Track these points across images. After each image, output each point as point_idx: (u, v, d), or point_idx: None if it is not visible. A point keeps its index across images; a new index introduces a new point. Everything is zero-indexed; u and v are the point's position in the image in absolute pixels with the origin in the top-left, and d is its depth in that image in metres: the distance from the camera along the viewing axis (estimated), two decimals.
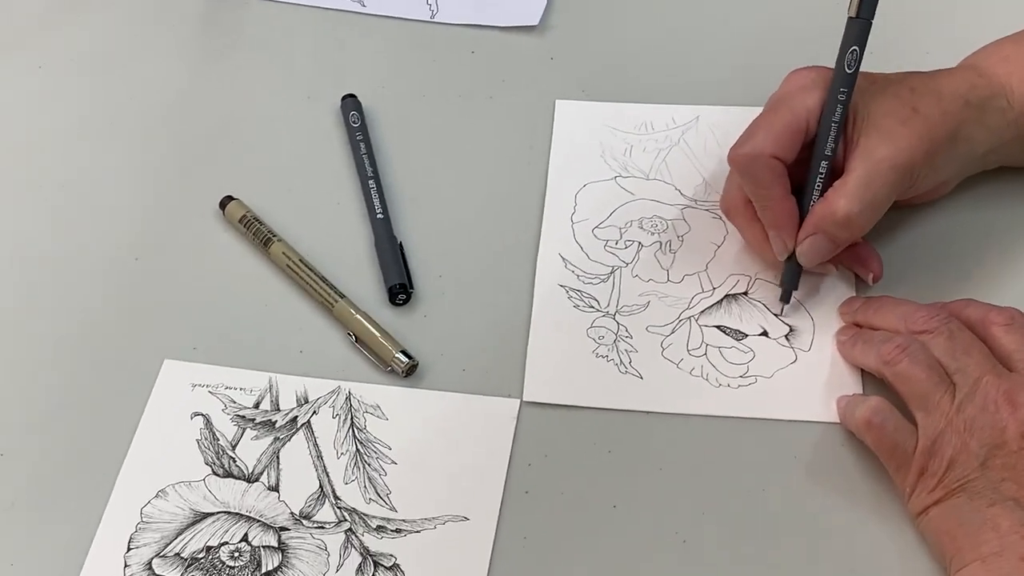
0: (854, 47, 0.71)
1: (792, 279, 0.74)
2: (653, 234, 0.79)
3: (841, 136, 0.72)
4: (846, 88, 0.72)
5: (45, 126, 0.88)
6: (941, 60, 0.77)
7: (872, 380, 0.71)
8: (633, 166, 0.83)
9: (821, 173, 0.73)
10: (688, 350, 0.74)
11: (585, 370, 0.73)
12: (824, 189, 0.72)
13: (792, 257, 0.73)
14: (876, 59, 0.76)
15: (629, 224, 0.80)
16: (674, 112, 0.86)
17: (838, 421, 0.70)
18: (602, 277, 0.77)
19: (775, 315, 0.75)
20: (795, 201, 0.73)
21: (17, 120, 0.89)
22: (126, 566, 0.67)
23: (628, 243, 0.79)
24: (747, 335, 0.74)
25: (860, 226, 0.72)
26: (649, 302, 0.76)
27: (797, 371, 0.72)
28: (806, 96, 0.73)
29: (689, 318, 0.75)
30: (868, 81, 0.73)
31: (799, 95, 0.73)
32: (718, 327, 0.75)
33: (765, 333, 0.74)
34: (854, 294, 0.75)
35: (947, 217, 0.79)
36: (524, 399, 0.72)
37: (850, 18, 0.72)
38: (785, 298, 0.75)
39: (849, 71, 0.72)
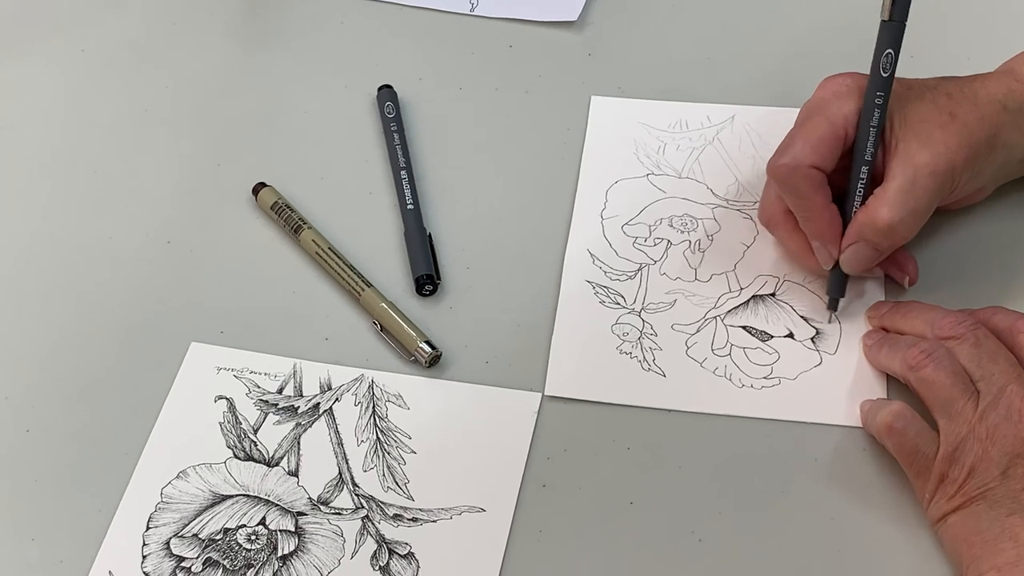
0: (888, 50, 0.71)
1: (838, 287, 0.74)
2: (683, 232, 0.79)
3: (880, 142, 0.72)
4: (883, 92, 0.71)
5: (85, 109, 0.89)
6: (982, 65, 0.76)
7: (897, 386, 0.71)
8: (666, 164, 0.83)
9: (862, 179, 0.72)
10: (712, 349, 0.73)
11: (608, 366, 0.73)
12: (866, 195, 0.72)
13: (836, 266, 0.73)
14: (918, 64, 0.75)
15: (659, 222, 0.80)
16: (709, 111, 0.85)
17: (860, 425, 0.69)
18: (629, 274, 0.77)
19: (802, 317, 0.74)
20: (836, 210, 0.72)
21: (57, 103, 0.90)
22: (144, 545, 0.67)
23: (657, 241, 0.79)
24: (773, 336, 0.74)
25: (903, 234, 0.71)
26: (676, 300, 0.76)
27: (821, 374, 0.72)
28: (842, 103, 0.72)
29: (715, 318, 0.75)
30: (904, 87, 0.73)
31: (835, 102, 0.72)
32: (744, 327, 0.74)
33: (791, 335, 0.74)
34: (883, 298, 0.75)
35: (981, 223, 0.78)
36: (546, 393, 0.72)
37: (883, 21, 0.71)
38: (833, 306, 0.74)
39: (885, 74, 0.71)
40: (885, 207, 0.70)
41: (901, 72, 0.71)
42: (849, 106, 0.72)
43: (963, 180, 0.72)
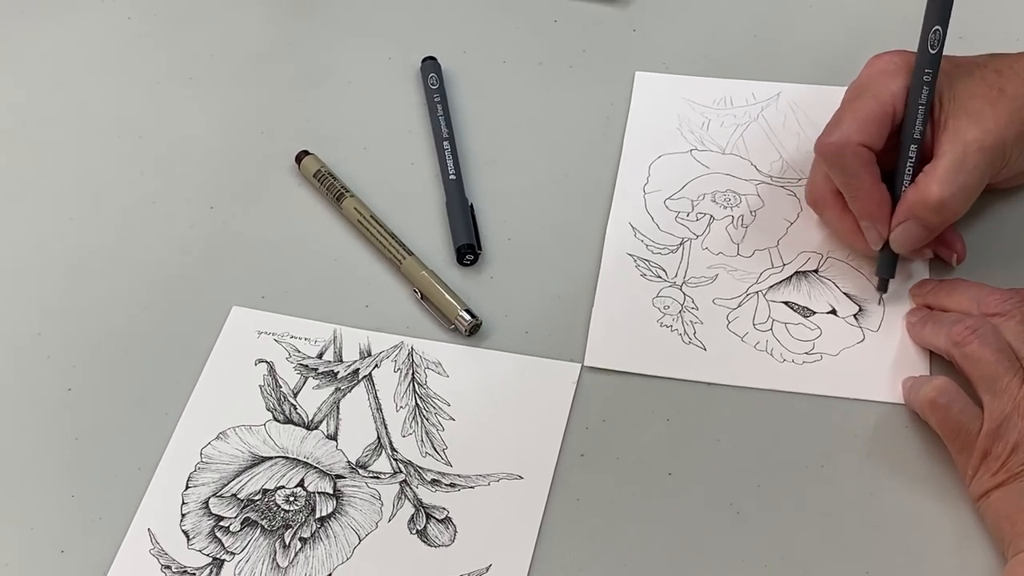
0: (936, 26, 0.70)
1: (888, 268, 0.73)
2: (726, 208, 0.79)
3: (929, 119, 0.71)
4: (931, 69, 0.70)
5: (130, 75, 0.90)
6: None
7: (940, 366, 0.70)
8: (710, 140, 0.82)
9: (911, 157, 0.71)
10: (754, 324, 0.73)
11: (648, 338, 0.73)
12: (915, 173, 0.71)
13: (886, 246, 0.72)
14: (966, 44, 0.75)
15: (702, 197, 0.79)
16: (754, 88, 0.85)
17: (903, 402, 0.69)
18: (671, 248, 0.77)
19: (845, 294, 0.74)
20: (885, 188, 0.71)
21: (103, 69, 0.90)
22: (183, 503, 0.68)
23: (700, 216, 0.78)
24: (815, 312, 0.73)
25: (954, 211, 0.70)
26: (717, 275, 0.75)
27: (864, 350, 0.71)
28: (890, 81, 0.72)
29: (757, 293, 0.74)
30: (952, 64, 0.72)
31: (883, 80, 0.72)
32: (786, 303, 0.74)
33: (834, 311, 0.73)
34: (928, 276, 0.74)
35: None
36: (585, 364, 0.72)
37: None
38: (883, 288, 0.73)
39: (933, 51, 0.70)
40: (936, 184, 0.69)
41: (949, 53, 0.71)
42: (897, 84, 0.71)
43: (1013, 156, 0.71)
